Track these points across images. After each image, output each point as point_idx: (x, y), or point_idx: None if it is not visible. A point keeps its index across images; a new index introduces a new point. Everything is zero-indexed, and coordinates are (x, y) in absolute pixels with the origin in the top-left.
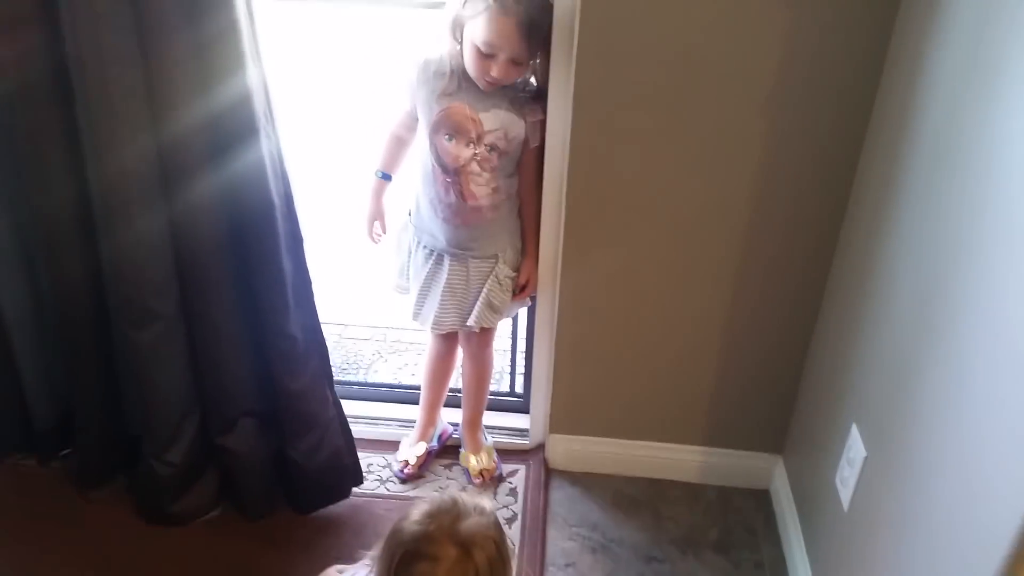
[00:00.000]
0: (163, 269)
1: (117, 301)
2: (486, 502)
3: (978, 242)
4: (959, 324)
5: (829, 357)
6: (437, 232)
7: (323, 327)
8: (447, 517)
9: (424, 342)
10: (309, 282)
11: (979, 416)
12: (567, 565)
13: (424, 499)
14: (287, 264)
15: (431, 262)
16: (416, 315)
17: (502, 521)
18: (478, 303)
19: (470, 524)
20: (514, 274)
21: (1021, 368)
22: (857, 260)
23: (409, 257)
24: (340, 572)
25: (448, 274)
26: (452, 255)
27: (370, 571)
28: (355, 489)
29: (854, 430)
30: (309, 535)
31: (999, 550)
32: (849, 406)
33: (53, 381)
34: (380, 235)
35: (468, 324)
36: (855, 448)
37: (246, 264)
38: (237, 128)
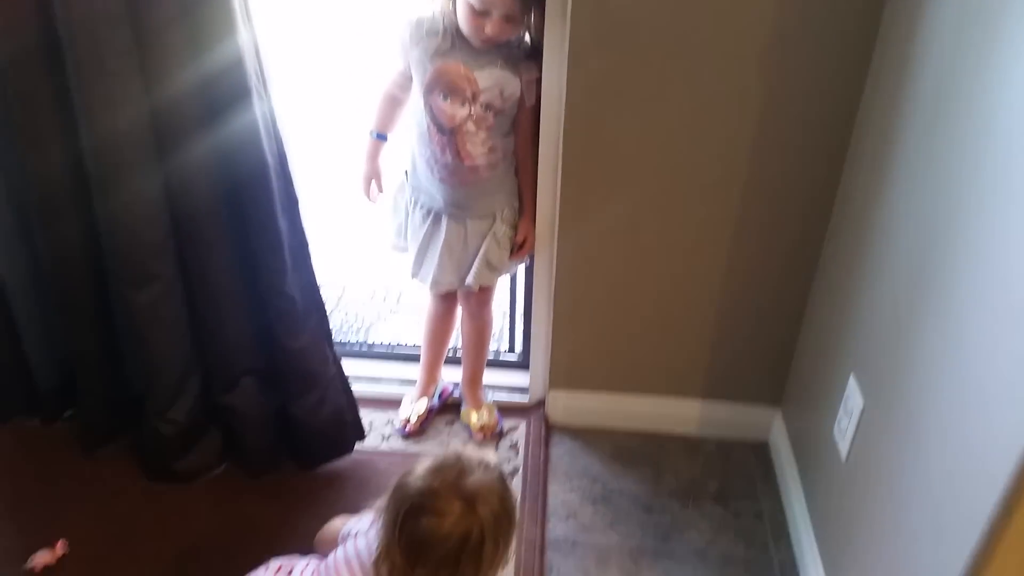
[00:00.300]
0: (159, 230)
1: (115, 262)
2: (490, 457)
3: (977, 191)
4: (958, 272)
5: (827, 309)
6: (434, 192)
7: (322, 289)
8: (452, 472)
9: (423, 303)
10: (306, 242)
11: (976, 363)
12: (568, 516)
13: (429, 454)
14: (283, 224)
15: (429, 222)
16: (415, 274)
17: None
18: (476, 262)
19: (475, 480)
20: (512, 232)
21: (1019, 315)
22: (856, 211)
23: (406, 217)
24: (346, 522)
25: (446, 233)
26: (450, 215)
27: (375, 523)
28: (357, 445)
29: (852, 381)
30: (313, 490)
31: (994, 494)
32: (847, 357)
33: (54, 344)
34: (377, 195)
35: (467, 283)
36: (853, 399)
37: (242, 224)
38: (229, 88)
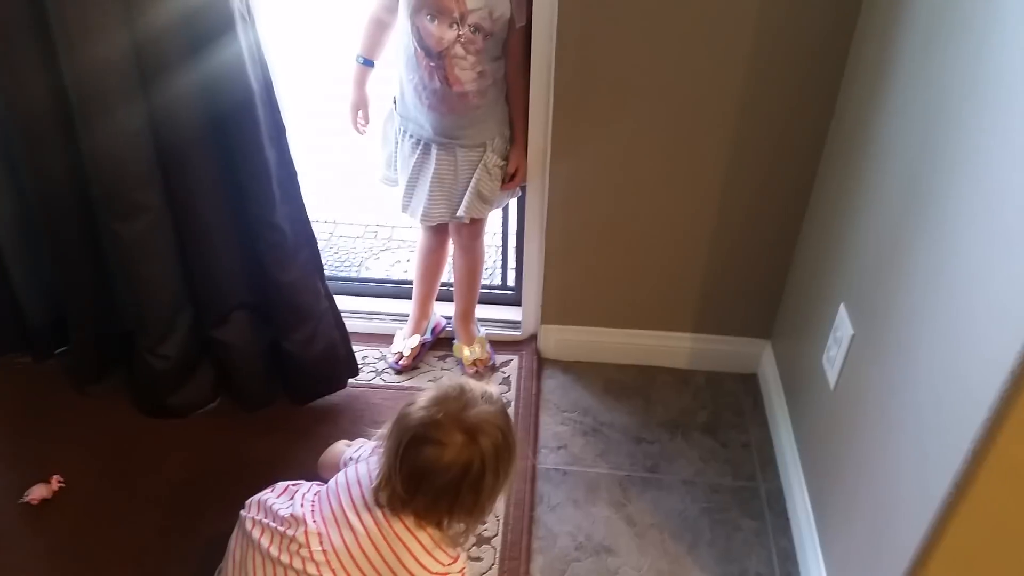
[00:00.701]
0: (145, 161)
1: (101, 195)
2: (493, 389)
3: (972, 112)
4: (951, 195)
5: (819, 240)
6: (423, 120)
7: (314, 225)
8: (455, 404)
9: (415, 239)
10: (294, 173)
11: (968, 286)
12: (559, 447)
13: (433, 385)
14: (270, 154)
15: (418, 152)
16: (405, 207)
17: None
18: (467, 193)
19: (477, 412)
20: (503, 163)
21: (1011, 237)
22: (850, 139)
23: (396, 148)
24: (348, 446)
25: (436, 164)
26: (439, 144)
27: (377, 450)
28: (351, 380)
29: (842, 309)
30: (307, 424)
31: (980, 414)
32: (837, 287)
33: (44, 280)
34: (364, 125)
35: (458, 215)
36: (843, 327)
37: (229, 154)
38: (214, 14)
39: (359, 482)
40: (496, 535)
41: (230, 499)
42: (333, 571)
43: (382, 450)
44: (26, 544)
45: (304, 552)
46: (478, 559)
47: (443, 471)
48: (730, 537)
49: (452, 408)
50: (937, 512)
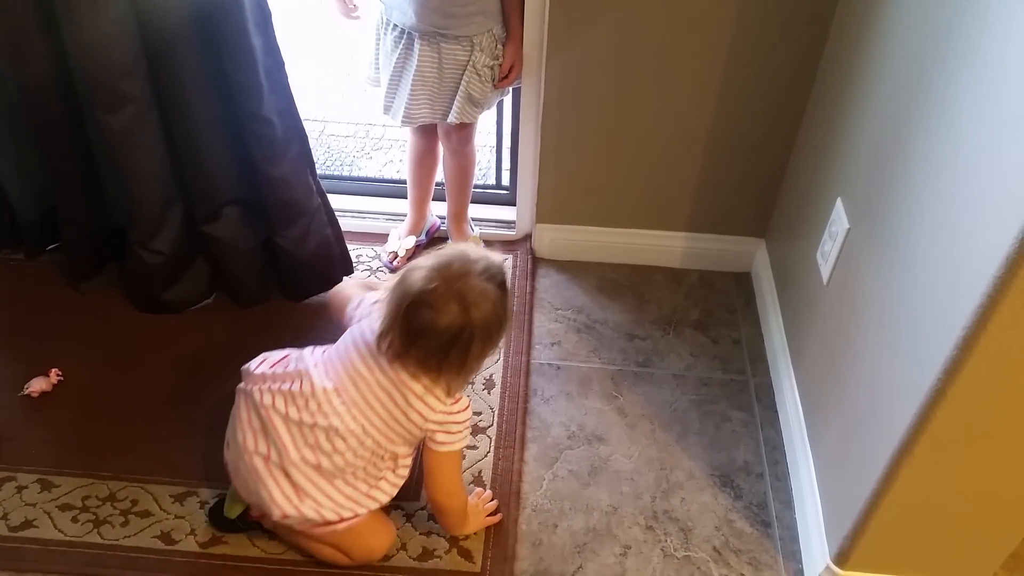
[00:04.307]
0: (130, 50)
1: (86, 86)
2: (496, 258)
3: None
4: (952, 82)
5: (818, 136)
6: (405, 5)
7: (304, 123)
8: (454, 273)
9: (407, 139)
10: (281, 62)
11: (965, 173)
12: (553, 344)
13: (436, 251)
14: (256, 41)
15: (400, 47)
16: (387, 108)
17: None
18: (457, 98)
19: (474, 283)
20: (493, 63)
21: (1013, 124)
22: (852, 32)
23: (378, 45)
24: (353, 292)
25: (418, 61)
26: (422, 37)
27: (380, 303)
28: (345, 278)
29: (838, 204)
30: (302, 320)
31: (973, 300)
32: (834, 182)
33: (33, 176)
34: (355, 9)
35: (449, 120)
36: (838, 222)
37: (214, 41)
38: None
39: (364, 339)
40: (491, 425)
41: (227, 392)
42: (355, 420)
43: (384, 305)
44: (28, 435)
45: (326, 407)
46: (474, 447)
47: (436, 334)
48: (719, 427)
49: (451, 277)
50: (925, 398)
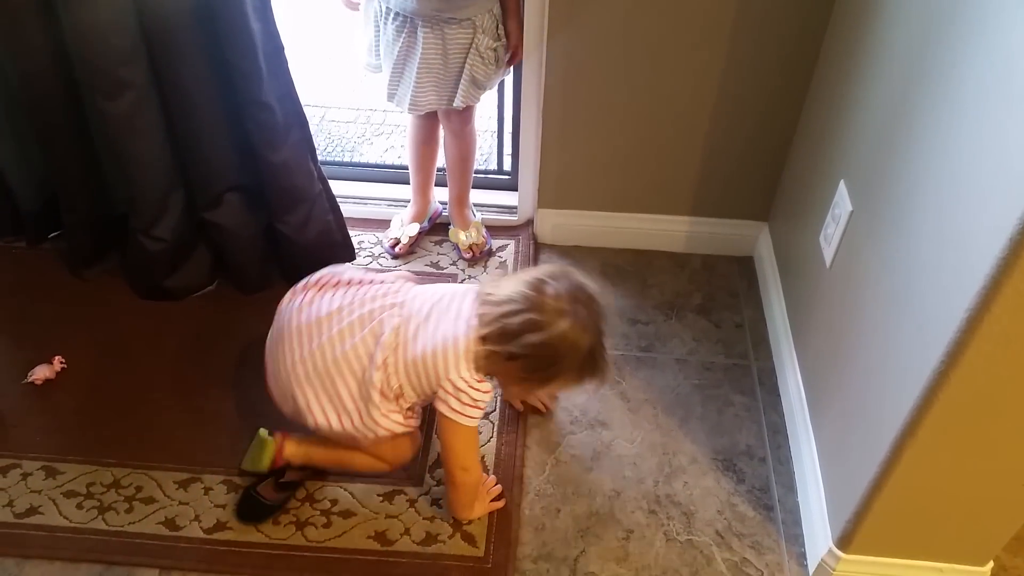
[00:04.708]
0: (129, 36)
1: (86, 73)
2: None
3: None
4: (957, 60)
5: (821, 118)
6: None
7: (305, 109)
8: (584, 311)
9: (408, 124)
10: (281, 47)
11: (969, 154)
12: None
13: (573, 272)
14: (255, 25)
15: (404, 36)
16: (391, 96)
17: None
18: (462, 82)
19: (588, 337)
20: (496, 44)
21: (1017, 101)
22: (853, 14)
23: (378, 32)
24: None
25: (423, 48)
26: (424, 22)
27: (499, 305)
28: (347, 264)
29: (841, 186)
30: None
31: (977, 282)
32: (837, 164)
33: (34, 165)
34: (358, 2)
35: (455, 104)
36: (841, 204)
37: (213, 26)
38: None
39: (471, 289)
40: (494, 410)
41: (230, 378)
42: (410, 310)
43: (504, 292)
44: (32, 422)
45: (397, 288)
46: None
47: (532, 346)
48: (721, 412)
49: (581, 313)
50: (929, 381)
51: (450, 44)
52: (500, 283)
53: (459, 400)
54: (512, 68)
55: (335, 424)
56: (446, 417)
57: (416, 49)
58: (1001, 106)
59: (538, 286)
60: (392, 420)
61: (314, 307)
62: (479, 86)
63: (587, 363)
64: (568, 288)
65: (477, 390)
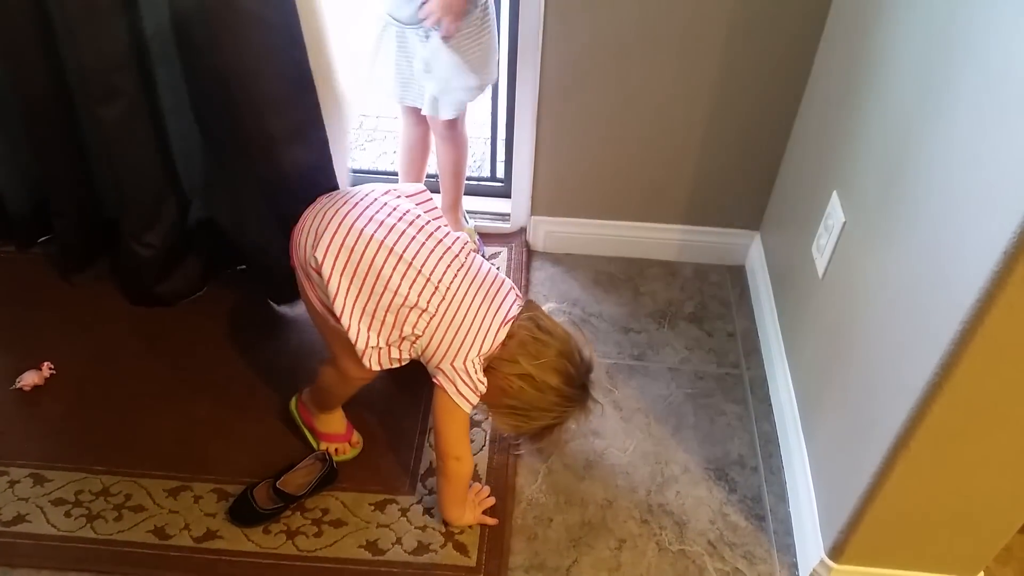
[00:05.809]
0: (121, 42)
1: (78, 78)
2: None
3: None
4: (953, 80)
5: (813, 128)
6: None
7: None
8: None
9: (399, 129)
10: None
11: (962, 167)
12: None
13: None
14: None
15: (406, 43)
16: (401, 97)
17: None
18: (453, 88)
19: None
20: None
21: (1006, 119)
22: (847, 26)
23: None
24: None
25: (420, 51)
26: (416, 30)
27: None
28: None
29: (834, 197)
30: (296, 313)
31: (969, 297)
32: (830, 175)
33: (24, 168)
34: None
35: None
36: (834, 215)
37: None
38: None
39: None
40: (486, 419)
41: (221, 383)
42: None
43: (534, 343)
44: (20, 429)
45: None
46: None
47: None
48: (713, 421)
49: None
50: (922, 392)
51: (439, 49)
52: (547, 312)
53: (464, 383)
54: (496, 67)
55: (339, 301)
56: (449, 400)
57: (415, 52)
58: (995, 118)
59: (574, 345)
60: (374, 353)
61: (388, 196)
62: (475, 87)
63: (544, 432)
64: (584, 371)
65: (481, 382)
